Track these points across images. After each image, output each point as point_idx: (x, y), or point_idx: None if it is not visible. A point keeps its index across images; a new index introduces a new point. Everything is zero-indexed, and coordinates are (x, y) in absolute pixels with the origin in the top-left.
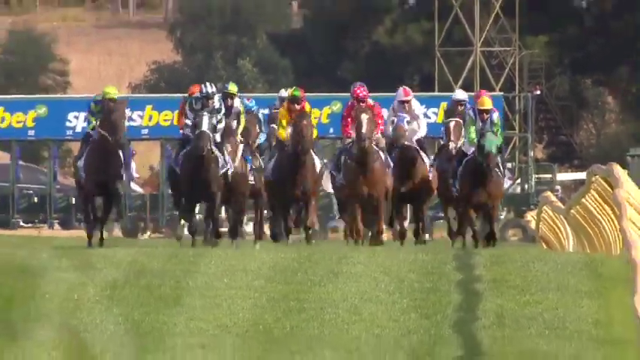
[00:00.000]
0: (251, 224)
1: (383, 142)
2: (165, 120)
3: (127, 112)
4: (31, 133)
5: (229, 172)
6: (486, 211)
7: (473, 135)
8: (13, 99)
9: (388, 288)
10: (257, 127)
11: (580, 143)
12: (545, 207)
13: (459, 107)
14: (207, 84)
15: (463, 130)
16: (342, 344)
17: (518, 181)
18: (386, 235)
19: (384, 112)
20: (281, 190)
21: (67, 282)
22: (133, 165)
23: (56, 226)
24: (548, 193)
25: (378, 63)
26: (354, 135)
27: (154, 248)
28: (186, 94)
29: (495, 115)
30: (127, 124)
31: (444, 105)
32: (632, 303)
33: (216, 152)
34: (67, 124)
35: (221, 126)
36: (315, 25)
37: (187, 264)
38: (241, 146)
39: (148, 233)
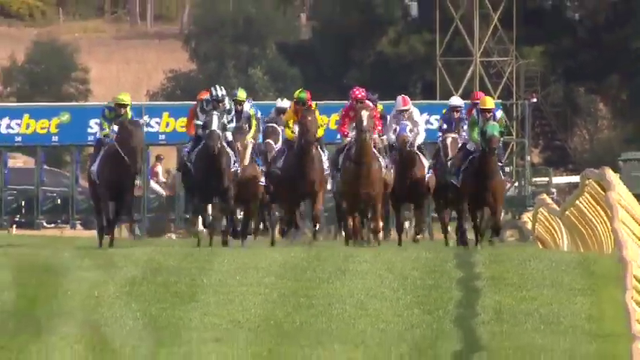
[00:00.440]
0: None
1: (380, 144)
2: (181, 126)
3: (145, 118)
4: (55, 139)
5: (238, 171)
6: (490, 206)
7: (476, 136)
8: (38, 106)
9: (392, 285)
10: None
11: (574, 148)
12: (541, 208)
13: (455, 113)
14: (217, 87)
15: (462, 137)
16: (348, 338)
17: (516, 184)
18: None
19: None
20: (290, 186)
21: (88, 280)
22: (160, 168)
23: (78, 226)
24: (544, 196)
25: (382, 72)
26: (350, 134)
27: (170, 247)
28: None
29: (498, 114)
30: (145, 129)
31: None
32: (623, 299)
33: (228, 150)
34: (89, 130)
35: (232, 125)
36: (323, 36)
37: (202, 262)
38: (250, 147)
39: (172, 234)
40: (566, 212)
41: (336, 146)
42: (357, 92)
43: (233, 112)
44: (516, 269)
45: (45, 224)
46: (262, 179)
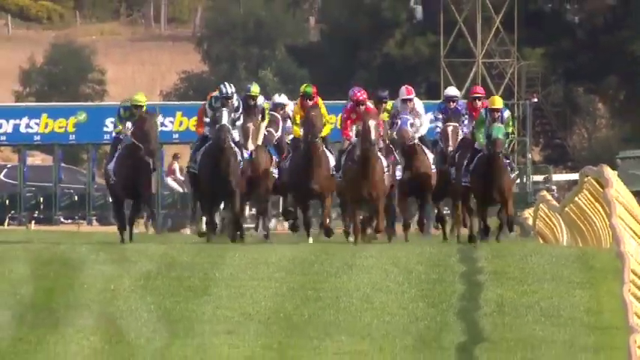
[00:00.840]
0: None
1: (381, 144)
2: (194, 125)
3: (160, 118)
4: (72, 137)
5: (247, 158)
6: (501, 204)
7: (481, 137)
8: (56, 106)
9: (397, 279)
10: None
11: (573, 146)
12: (541, 205)
13: (451, 104)
14: (226, 84)
15: (460, 131)
16: (355, 330)
17: (517, 180)
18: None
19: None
20: (298, 184)
21: (104, 273)
22: (176, 166)
23: (94, 222)
24: (545, 193)
25: (388, 73)
26: (353, 138)
27: (184, 243)
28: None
29: (506, 114)
30: (159, 129)
31: None
32: (621, 293)
33: (235, 148)
34: (105, 129)
35: (239, 123)
36: (331, 38)
37: (214, 257)
38: (263, 129)
39: (188, 229)
40: (566, 208)
41: (339, 144)
42: (358, 94)
43: (241, 110)
44: (517, 264)
45: (62, 220)
46: (275, 171)
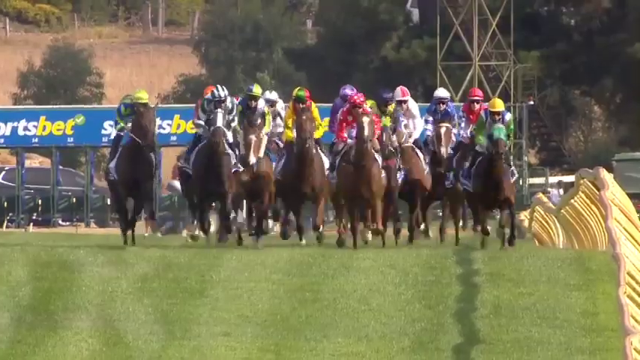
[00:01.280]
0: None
1: (378, 146)
2: (192, 128)
3: (157, 120)
4: (70, 140)
5: (253, 167)
6: (503, 207)
7: (482, 138)
8: (54, 109)
9: (394, 281)
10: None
11: (569, 149)
12: (537, 207)
13: (441, 105)
14: (219, 87)
15: (453, 132)
16: (352, 331)
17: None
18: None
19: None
20: (290, 188)
21: (102, 276)
22: None
23: (92, 224)
24: (540, 195)
25: (385, 76)
26: (348, 140)
27: (181, 245)
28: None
29: (508, 116)
30: (157, 131)
31: None
32: (617, 294)
33: (229, 151)
34: (103, 131)
35: (234, 124)
36: (328, 41)
37: (211, 259)
38: (265, 140)
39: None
40: (562, 211)
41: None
42: (355, 97)
43: (235, 112)
44: (514, 266)
45: (60, 222)
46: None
